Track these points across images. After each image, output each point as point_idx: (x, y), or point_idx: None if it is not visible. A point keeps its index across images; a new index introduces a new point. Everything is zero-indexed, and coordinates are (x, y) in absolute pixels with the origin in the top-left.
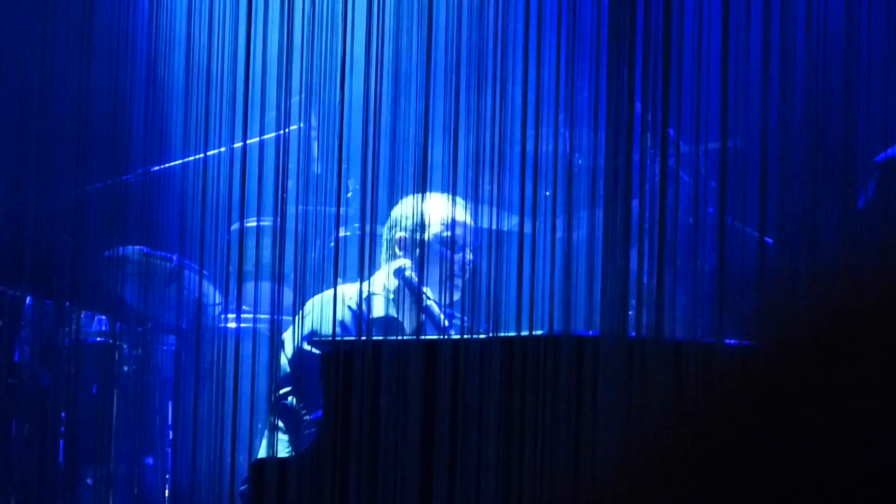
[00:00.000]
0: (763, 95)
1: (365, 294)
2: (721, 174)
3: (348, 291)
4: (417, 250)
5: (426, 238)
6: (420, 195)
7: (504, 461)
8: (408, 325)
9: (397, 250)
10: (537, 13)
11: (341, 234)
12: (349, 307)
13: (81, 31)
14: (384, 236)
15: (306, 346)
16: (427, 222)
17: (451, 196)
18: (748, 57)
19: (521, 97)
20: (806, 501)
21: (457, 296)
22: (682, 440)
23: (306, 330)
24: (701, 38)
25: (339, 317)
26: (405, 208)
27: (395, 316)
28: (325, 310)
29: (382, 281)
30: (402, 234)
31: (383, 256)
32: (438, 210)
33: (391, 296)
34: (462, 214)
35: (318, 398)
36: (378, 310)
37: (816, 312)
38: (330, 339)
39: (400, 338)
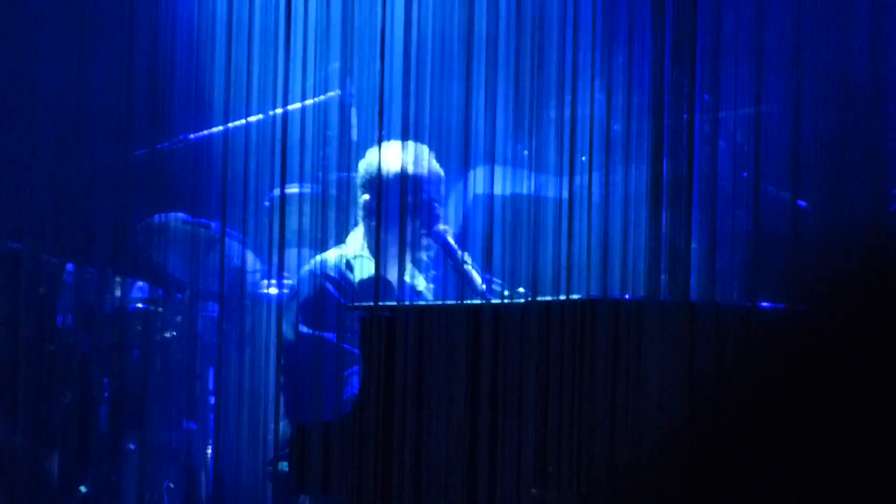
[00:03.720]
0: (795, 62)
1: (351, 256)
2: (756, 139)
3: (333, 256)
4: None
5: (386, 192)
6: (377, 148)
7: (542, 421)
8: (394, 281)
9: (361, 213)
10: None
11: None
12: (338, 271)
13: (125, 3)
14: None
15: (303, 329)
16: (385, 178)
17: (414, 144)
18: (783, 23)
19: (558, 63)
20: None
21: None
22: (717, 400)
23: (302, 297)
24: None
25: (328, 282)
26: (368, 163)
27: (384, 276)
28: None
29: (361, 241)
30: (366, 196)
31: (361, 214)
32: (401, 162)
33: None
34: (425, 164)
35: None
36: (366, 271)
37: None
38: (369, 305)
39: (442, 302)
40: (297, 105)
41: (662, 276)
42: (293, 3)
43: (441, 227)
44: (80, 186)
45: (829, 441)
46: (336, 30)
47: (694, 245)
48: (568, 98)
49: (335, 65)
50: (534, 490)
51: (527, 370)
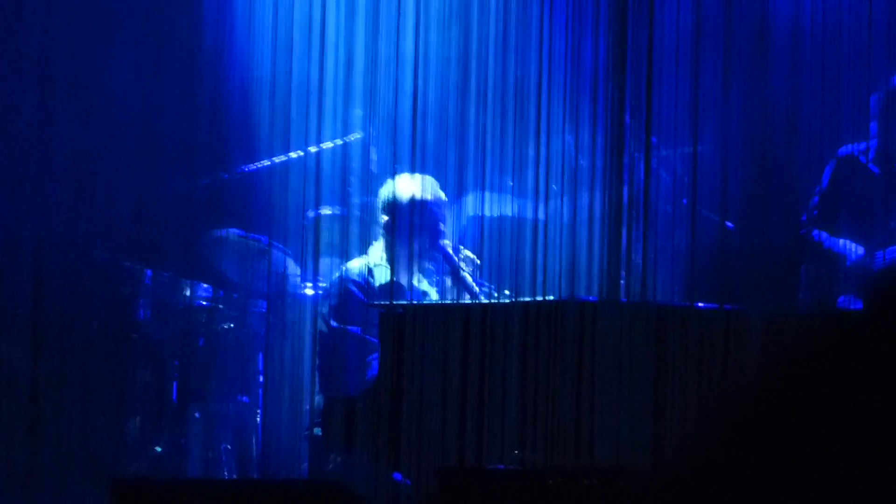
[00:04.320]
0: (724, 111)
1: (372, 264)
2: (693, 172)
3: (357, 264)
4: (390, 228)
5: (399, 215)
6: (393, 178)
7: (522, 394)
8: (405, 284)
9: (381, 230)
10: (548, 44)
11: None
12: (361, 276)
13: (190, 57)
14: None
15: (334, 323)
16: (400, 202)
17: (423, 176)
18: (715, 78)
19: (536, 111)
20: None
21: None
22: (657, 378)
23: (333, 297)
24: (678, 63)
25: (353, 286)
26: (387, 191)
27: (398, 281)
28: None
29: (380, 252)
30: (385, 217)
31: (381, 231)
32: (413, 190)
33: (385, 263)
34: (431, 191)
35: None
36: (384, 277)
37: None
38: (386, 304)
39: (442, 301)
40: (329, 144)
41: (620, 282)
42: (324, 62)
43: (443, 241)
44: (156, 207)
45: (765, 425)
46: (358, 84)
47: (646, 256)
48: (544, 139)
49: (358, 112)
50: (515, 451)
51: (510, 355)
